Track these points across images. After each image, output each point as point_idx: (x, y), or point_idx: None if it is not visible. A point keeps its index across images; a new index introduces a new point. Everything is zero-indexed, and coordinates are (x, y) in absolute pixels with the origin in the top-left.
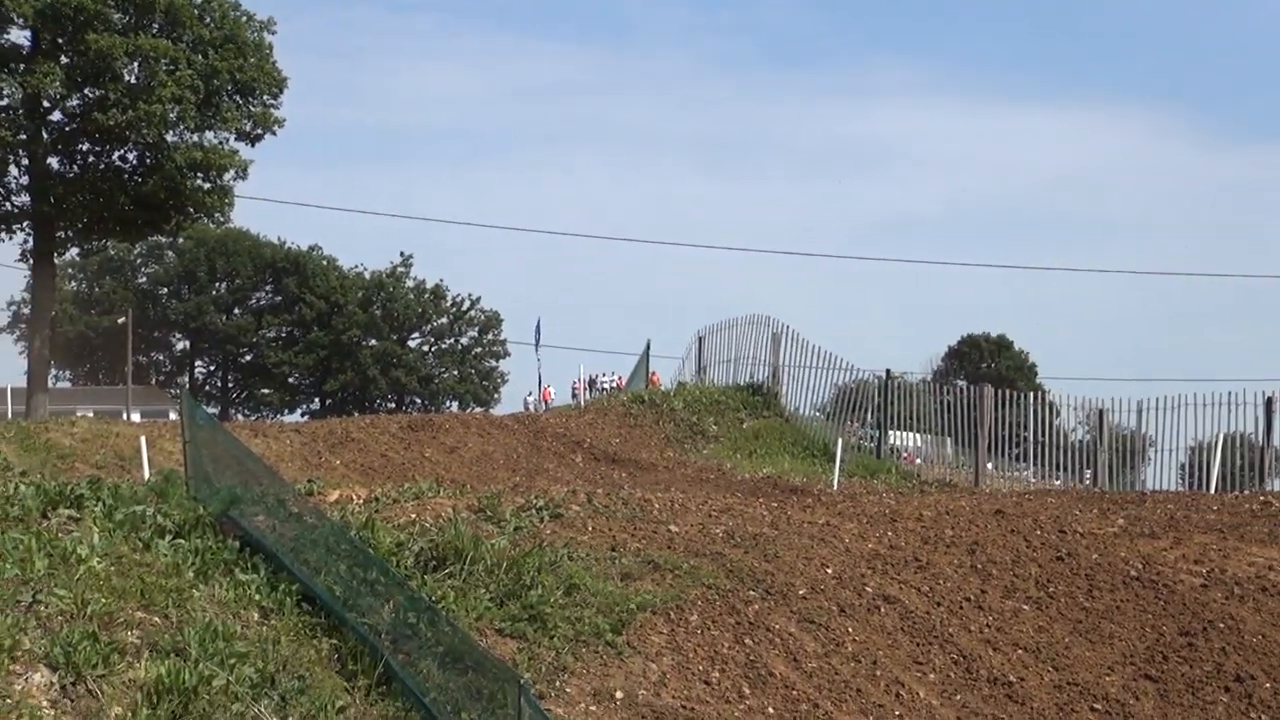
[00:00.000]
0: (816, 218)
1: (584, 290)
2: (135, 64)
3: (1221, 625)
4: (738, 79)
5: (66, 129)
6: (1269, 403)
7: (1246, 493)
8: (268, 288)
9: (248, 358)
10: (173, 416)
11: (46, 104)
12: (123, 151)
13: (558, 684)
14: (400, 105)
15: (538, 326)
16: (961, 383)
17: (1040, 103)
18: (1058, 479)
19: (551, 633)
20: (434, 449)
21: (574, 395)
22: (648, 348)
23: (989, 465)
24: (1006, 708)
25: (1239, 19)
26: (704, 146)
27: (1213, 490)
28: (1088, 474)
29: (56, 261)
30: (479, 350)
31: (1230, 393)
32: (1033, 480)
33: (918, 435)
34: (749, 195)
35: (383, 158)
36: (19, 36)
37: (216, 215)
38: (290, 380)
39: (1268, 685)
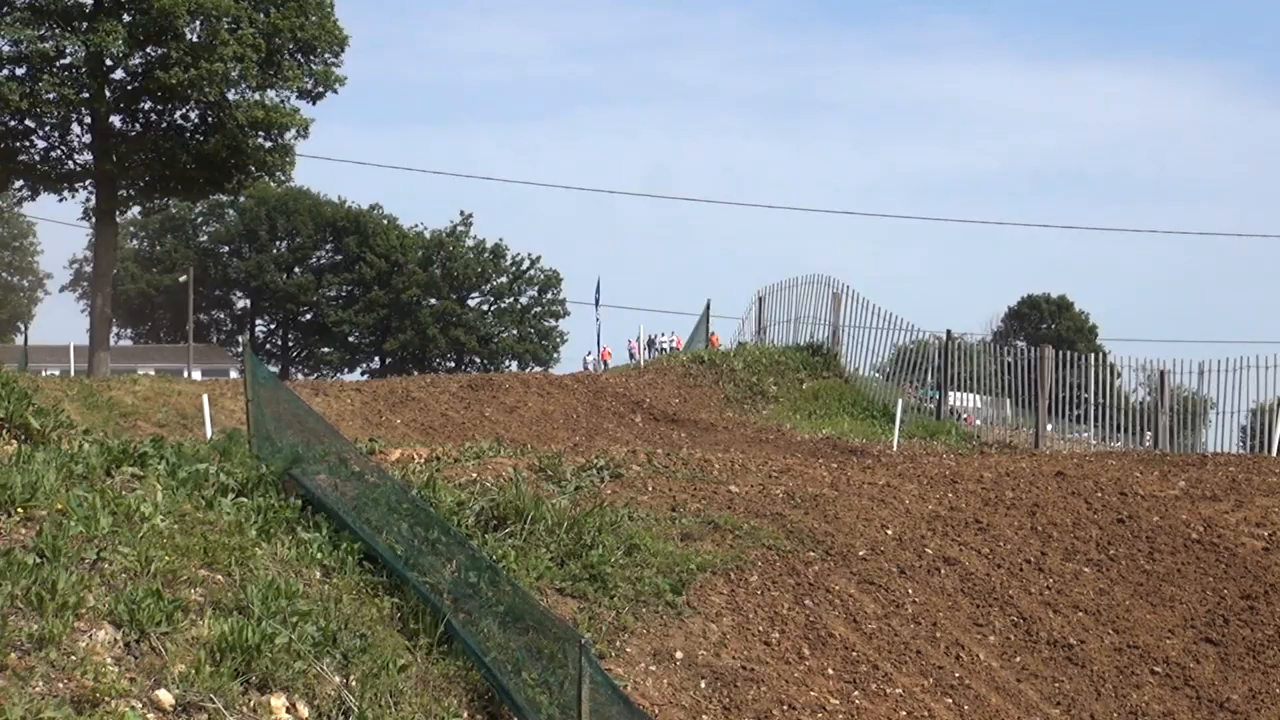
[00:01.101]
0: (877, 177)
1: (643, 250)
2: (197, 22)
3: None
4: (798, 36)
5: (129, 87)
6: None
7: None
8: (328, 247)
9: (308, 316)
10: (233, 375)
11: (109, 62)
12: (184, 110)
13: (618, 644)
14: (458, 62)
15: (598, 286)
16: (1021, 344)
17: (1103, 60)
18: (1118, 441)
19: (612, 592)
20: (494, 408)
21: (631, 355)
22: (707, 308)
23: (1049, 427)
24: (1066, 670)
25: None
26: (764, 105)
27: (1274, 453)
28: (1148, 436)
29: (118, 220)
30: (538, 309)
31: None
32: (1093, 442)
33: (978, 396)
34: (809, 154)
35: (442, 116)
36: None
37: (277, 174)
38: (350, 339)
39: None
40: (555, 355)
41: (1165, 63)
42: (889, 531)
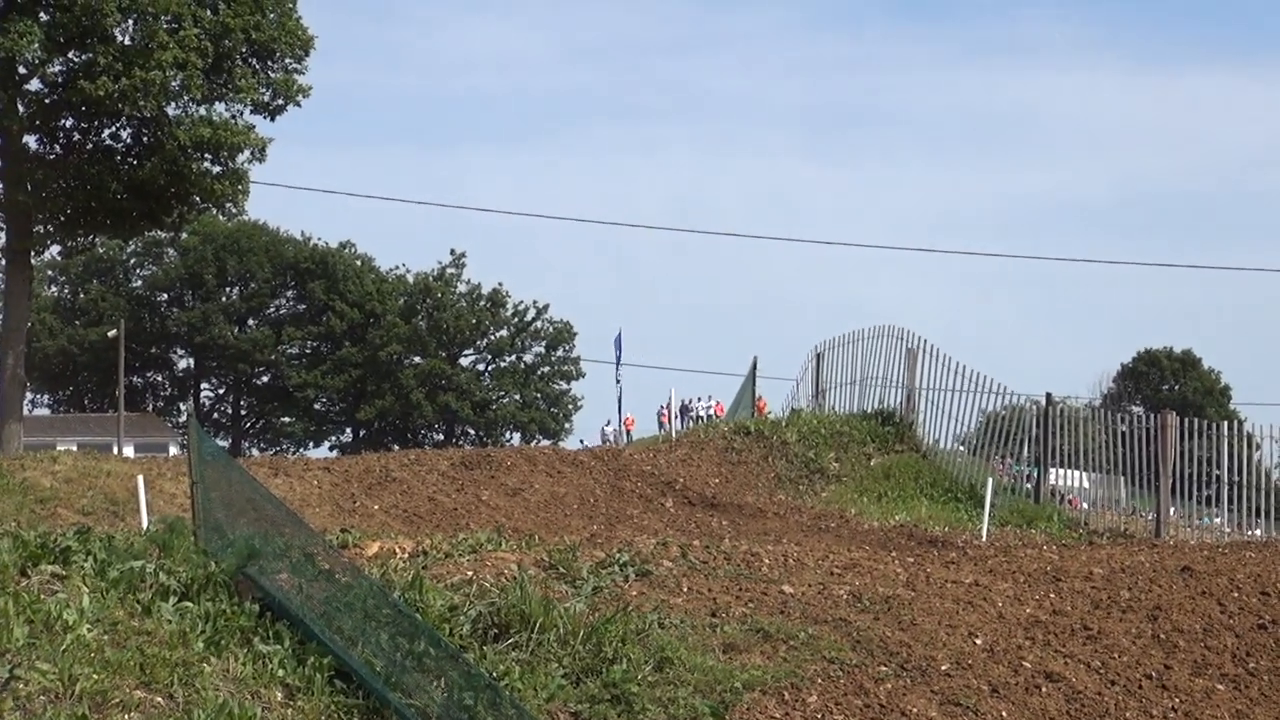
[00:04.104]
0: (954, 206)
1: (674, 297)
2: (130, 21)
3: None
4: (856, 37)
5: (46, 101)
6: None
7: None
8: (289, 294)
9: (265, 379)
10: (174, 451)
11: (23, 70)
12: (115, 128)
13: None
14: (445, 69)
15: (618, 340)
16: (1138, 409)
17: (1229, 64)
18: (1257, 528)
19: (638, 717)
20: (492, 491)
21: (661, 425)
22: (754, 367)
23: (1172, 511)
24: None
25: None
26: (814, 119)
27: None
28: None
29: (34, 262)
30: (546, 370)
31: None
32: (1227, 530)
33: (1085, 474)
34: (871, 179)
35: (427, 134)
36: None
37: (227, 205)
38: (316, 406)
39: None
40: (567, 425)
41: None
42: (978, 641)
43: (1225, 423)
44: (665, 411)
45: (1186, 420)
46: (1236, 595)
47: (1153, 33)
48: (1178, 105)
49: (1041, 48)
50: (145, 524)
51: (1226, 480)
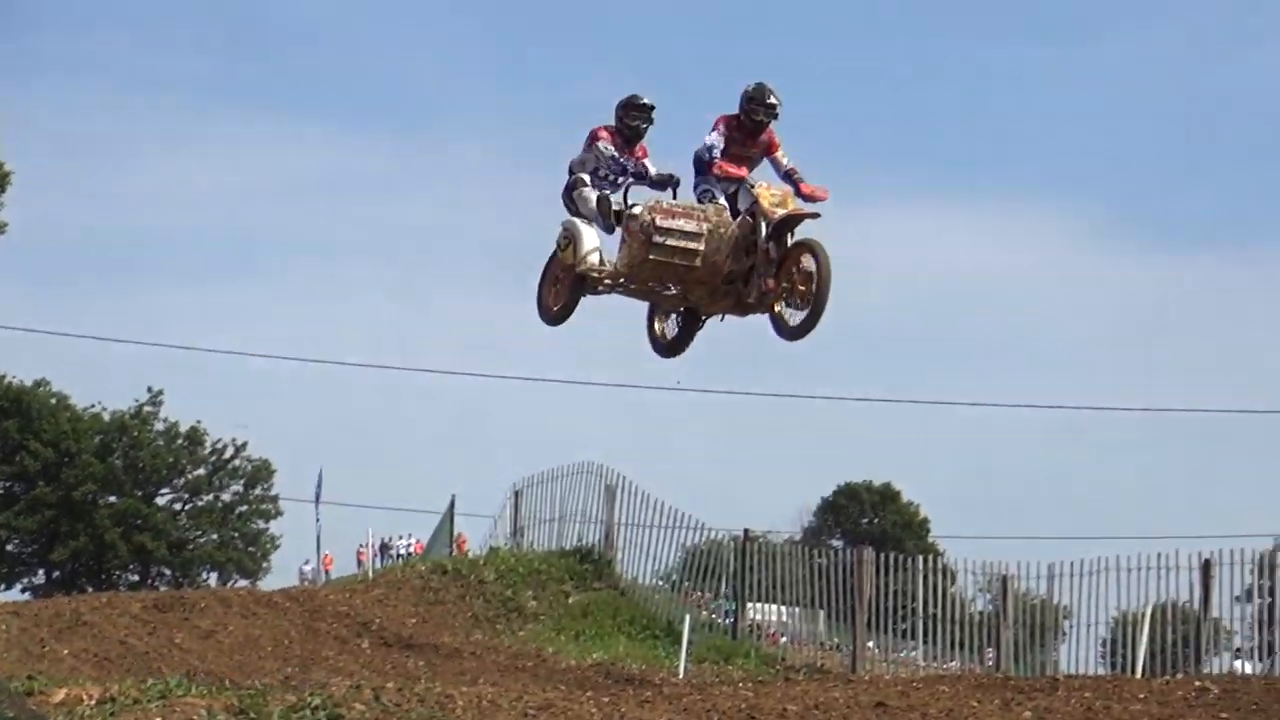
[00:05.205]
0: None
1: (373, 434)
2: None
3: None
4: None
5: None
6: (1206, 566)
7: (1179, 676)
8: None
9: None
10: None
11: None
12: None
13: None
14: (140, 206)
15: (319, 479)
16: (837, 543)
17: (928, 199)
18: (953, 660)
19: None
20: (186, 634)
21: (360, 563)
22: (452, 504)
23: (869, 645)
24: None
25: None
26: (509, 254)
27: (1139, 673)
28: (989, 653)
29: None
30: (244, 508)
31: (1160, 554)
32: (923, 663)
33: (783, 608)
34: None
35: (124, 271)
36: None
37: None
38: (9, 548)
39: None
40: (265, 564)
41: (1005, 202)
42: None
43: (922, 556)
44: (364, 550)
45: (883, 555)
46: None
47: (849, 169)
48: (876, 238)
49: None
50: None
51: (923, 613)
